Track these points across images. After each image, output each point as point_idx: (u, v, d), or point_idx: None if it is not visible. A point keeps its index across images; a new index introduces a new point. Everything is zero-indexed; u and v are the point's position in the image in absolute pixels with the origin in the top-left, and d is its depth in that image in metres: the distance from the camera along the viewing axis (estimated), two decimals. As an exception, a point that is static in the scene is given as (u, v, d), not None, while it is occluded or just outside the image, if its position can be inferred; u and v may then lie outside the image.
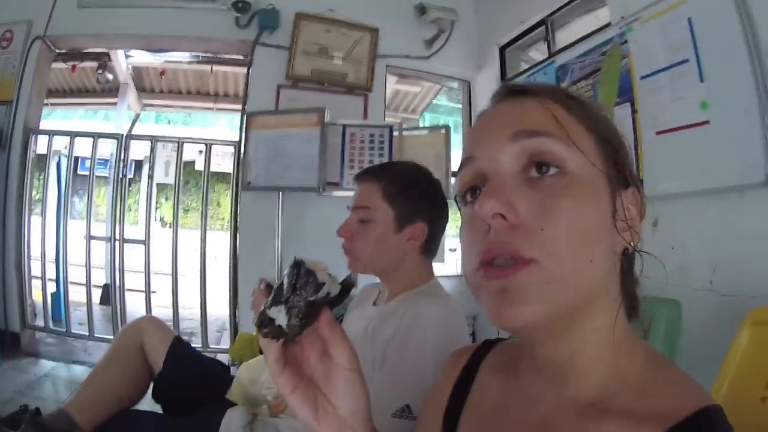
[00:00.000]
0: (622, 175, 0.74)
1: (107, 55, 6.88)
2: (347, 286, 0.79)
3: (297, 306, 0.73)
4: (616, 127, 0.79)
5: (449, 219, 1.88)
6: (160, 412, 2.26)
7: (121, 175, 5.05)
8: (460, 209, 0.81)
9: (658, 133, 2.99)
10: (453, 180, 4.61)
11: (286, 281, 0.75)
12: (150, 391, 2.30)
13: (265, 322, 0.74)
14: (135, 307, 5.16)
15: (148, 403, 2.33)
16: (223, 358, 3.83)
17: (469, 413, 0.88)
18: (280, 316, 0.73)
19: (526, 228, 0.66)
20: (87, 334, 4.91)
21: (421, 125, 8.66)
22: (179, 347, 2.35)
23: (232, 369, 2.48)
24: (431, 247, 1.84)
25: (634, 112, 3.16)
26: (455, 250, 5.51)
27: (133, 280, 5.13)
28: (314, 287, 0.74)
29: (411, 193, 1.78)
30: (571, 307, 0.68)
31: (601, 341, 0.72)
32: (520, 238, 0.66)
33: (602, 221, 0.69)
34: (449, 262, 5.09)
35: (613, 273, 0.73)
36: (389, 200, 1.75)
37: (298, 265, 0.76)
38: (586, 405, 0.71)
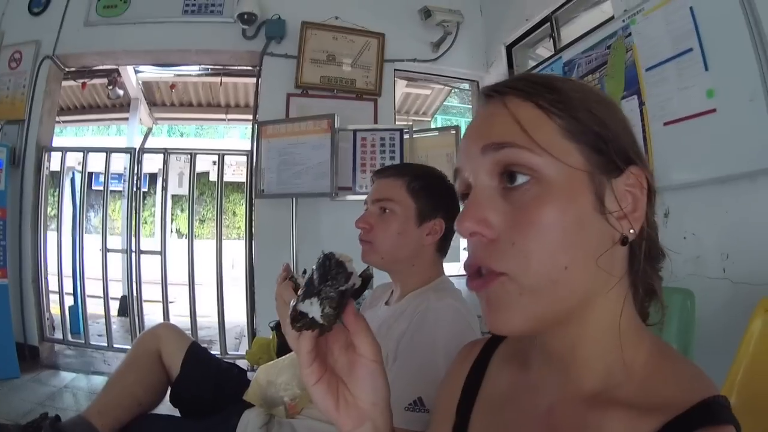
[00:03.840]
0: (611, 161, 0.70)
1: (117, 71, 6.89)
2: (366, 277, 0.81)
3: (329, 296, 0.74)
4: (607, 102, 0.75)
5: None
6: (178, 416, 2.28)
7: (135, 189, 5.10)
8: None
9: (666, 123, 2.97)
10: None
11: (316, 274, 0.77)
12: (168, 396, 2.32)
13: (296, 318, 0.75)
14: (153, 318, 5.19)
15: (166, 409, 2.34)
16: (242, 364, 3.84)
17: (481, 404, 0.88)
18: (312, 308, 0.74)
19: (501, 243, 0.68)
20: (106, 345, 4.96)
21: (433, 127, 8.65)
22: (196, 352, 2.36)
23: (249, 373, 2.49)
24: (445, 244, 1.87)
25: (641, 104, 3.15)
26: (470, 249, 5.52)
27: (151, 292, 5.17)
28: (345, 277, 0.76)
29: (433, 190, 1.82)
30: (554, 313, 0.69)
31: (603, 333, 0.72)
32: (493, 254, 0.68)
33: (581, 222, 0.67)
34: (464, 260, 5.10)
35: (613, 266, 0.71)
36: (413, 194, 1.79)
37: (328, 257, 0.78)
38: (590, 396, 0.71)
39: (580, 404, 0.71)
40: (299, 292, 0.77)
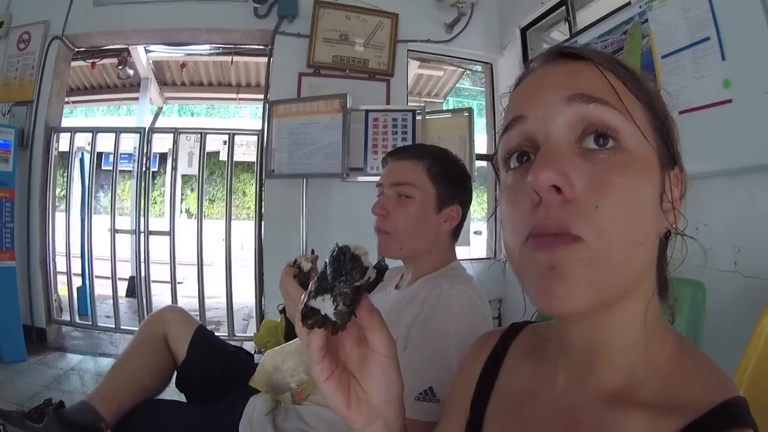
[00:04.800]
0: (671, 153, 0.71)
1: (127, 50, 6.89)
2: (381, 270, 0.76)
3: (344, 293, 0.71)
4: (665, 103, 0.75)
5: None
6: (184, 401, 2.27)
7: (144, 168, 5.09)
8: (498, 175, 0.77)
9: (681, 112, 2.91)
10: (477, 163, 4.61)
11: (329, 269, 0.73)
12: (174, 380, 2.30)
13: (308, 314, 0.72)
14: (161, 299, 5.21)
15: (172, 394, 2.33)
16: (249, 346, 3.85)
17: (497, 399, 0.87)
18: (325, 305, 0.71)
19: (580, 204, 0.62)
20: (113, 326, 4.97)
21: (445, 109, 8.60)
22: (202, 336, 2.34)
23: (257, 356, 2.48)
24: (459, 230, 1.85)
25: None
26: (480, 233, 5.47)
27: (159, 272, 5.18)
28: (360, 272, 0.72)
29: (452, 175, 1.79)
30: (616, 292, 0.64)
31: (633, 328, 0.69)
32: (572, 215, 0.61)
33: (653, 202, 0.65)
34: (473, 245, 5.09)
35: (655, 256, 0.69)
36: (433, 179, 1.75)
37: (343, 251, 0.74)
38: (612, 394, 0.69)
39: (601, 403, 0.70)
40: (310, 287, 0.74)
